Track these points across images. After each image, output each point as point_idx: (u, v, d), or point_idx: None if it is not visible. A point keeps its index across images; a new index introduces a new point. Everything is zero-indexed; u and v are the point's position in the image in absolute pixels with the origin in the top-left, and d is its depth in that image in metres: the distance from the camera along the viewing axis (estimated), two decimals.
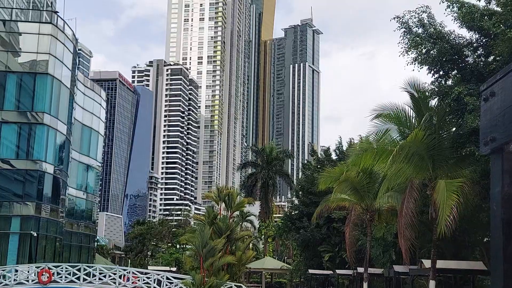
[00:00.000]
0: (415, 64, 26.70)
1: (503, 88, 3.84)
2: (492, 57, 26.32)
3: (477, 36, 26.86)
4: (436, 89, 26.36)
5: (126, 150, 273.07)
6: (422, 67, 26.79)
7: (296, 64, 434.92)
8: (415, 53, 26.40)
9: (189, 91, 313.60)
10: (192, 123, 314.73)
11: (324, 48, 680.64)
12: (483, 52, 27.11)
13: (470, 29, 26.45)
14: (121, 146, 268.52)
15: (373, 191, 32.39)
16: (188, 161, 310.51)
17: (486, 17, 25.35)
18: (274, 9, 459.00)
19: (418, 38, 26.34)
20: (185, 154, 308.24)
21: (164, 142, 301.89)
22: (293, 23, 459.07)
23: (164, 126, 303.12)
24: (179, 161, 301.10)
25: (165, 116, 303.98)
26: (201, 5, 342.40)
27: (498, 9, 25.19)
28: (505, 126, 3.86)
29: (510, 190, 4.05)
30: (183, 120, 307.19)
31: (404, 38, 26.80)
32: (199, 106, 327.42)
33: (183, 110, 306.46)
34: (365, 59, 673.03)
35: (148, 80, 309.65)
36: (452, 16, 26.28)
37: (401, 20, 27.17)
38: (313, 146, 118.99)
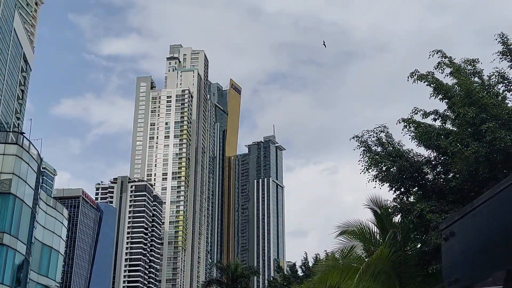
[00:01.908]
0: (376, 181, 27.21)
1: (462, 229, 3.94)
2: (451, 175, 26.97)
3: (435, 154, 27.66)
4: (399, 206, 26.74)
5: (86, 269, 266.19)
6: (383, 184, 27.29)
7: (260, 179, 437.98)
8: (375, 170, 26.96)
9: (153, 207, 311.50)
10: (155, 239, 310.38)
11: (287, 163, 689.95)
12: (442, 170, 27.80)
13: (427, 148, 27.27)
14: (81, 265, 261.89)
15: None
16: (151, 279, 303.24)
17: (442, 136, 26.25)
18: (237, 126, 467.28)
19: (377, 157, 26.98)
20: (147, 272, 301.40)
21: (126, 260, 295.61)
22: (257, 139, 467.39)
23: (127, 243, 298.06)
24: (141, 279, 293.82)
25: (128, 233, 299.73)
26: (166, 123, 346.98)
27: (454, 128, 26.14)
28: (467, 269, 3.95)
29: None
30: (147, 236, 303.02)
31: (364, 156, 27.43)
32: (163, 222, 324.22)
33: (146, 226, 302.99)
34: (327, 174, 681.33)
35: (112, 197, 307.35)
36: (409, 135, 27.19)
37: (360, 139, 27.93)
38: (279, 262, 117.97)
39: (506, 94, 25.93)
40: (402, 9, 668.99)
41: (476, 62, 26.86)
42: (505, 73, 24.94)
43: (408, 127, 26.52)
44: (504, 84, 25.23)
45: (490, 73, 25.78)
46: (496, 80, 25.47)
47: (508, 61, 24.87)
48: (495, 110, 23.38)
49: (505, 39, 24.94)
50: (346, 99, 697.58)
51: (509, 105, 25.10)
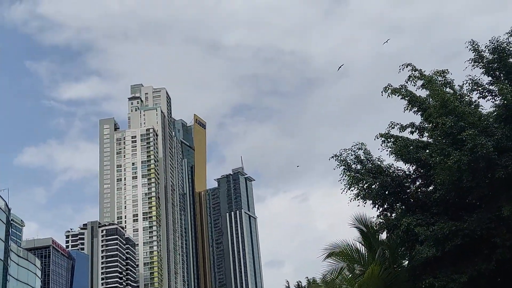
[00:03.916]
0: (358, 199, 26.91)
1: None
2: (432, 187, 26.79)
3: (414, 167, 27.52)
4: (384, 223, 26.46)
5: None
6: (366, 202, 27.01)
7: (232, 212, 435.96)
8: (356, 189, 26.69)
9: (126, 250, 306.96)
10: (131, 283, 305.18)
11: (258, 193, 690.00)
12: (423, 182, 27.67)
13: (406, 162, 27.14)
14: None
15: None
16: None
17: (421, 149, 26.13)
18: (205, 161, 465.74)
19: (358, 175, 26.76)
20: None
21: None
22: (225, 172, 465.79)
23: None
24: None
25: (103, 278, 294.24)
26: (133, 164, 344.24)
27: (431, 140, 26.03)
28: None
29: None
30: (121, 281, 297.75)
31: (344, 175, 27.16)
32: (138, 265, 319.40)
33: (121, 270, 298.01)
34: (298, 202, 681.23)
35: (83, 244, 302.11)
36: (387, 150, 27.03)
37: (339, 158, 27.68)
38: None
39: (478, 102, 26.01)
40: (359, 34, 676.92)
41: (446, 72, 26.97)
42: (479, 79, 24.97)
43: (386, 142, 26.39)
44: (478, 91, 25.25)
45: (463, 82, 25.85)
46: (470, 87, 25.50)
47: (480, 68, 24.92)
48: (471, 118, 23.35)
49: (476, 46, 25.02)
50: (310, 125, 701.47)
51: (483, 112, 25.12)
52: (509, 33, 25.44)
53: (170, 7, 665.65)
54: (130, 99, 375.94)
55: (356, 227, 26.51)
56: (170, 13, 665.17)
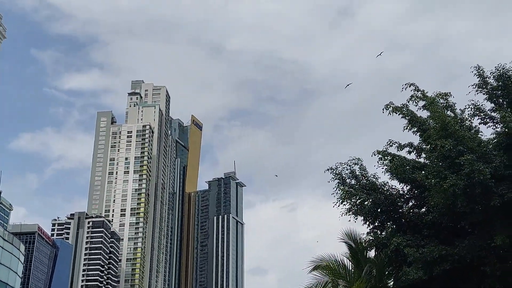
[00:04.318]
0: (349, 214, 26.68)
1: None
2: (425, 209, 26.56)
3: (408, 187, 27.30)
4: (374, 240, 26.18)
5: None
6: (357, 218, 26.76)
7: (220, 216, 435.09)
8: (349, 204, 26.46)
9: (111, 244, 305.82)
10: (111, 277, 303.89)
11: (247, 199, 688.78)
12: (416, 203, 27.42)
13: (401, 181, 26.91)
14: None
15: None
16: None
17: (417, 170, 25.89)
18: (198, 162, 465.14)
19: (352, 189, 26.52)
20: None
21: None
22: (217, 175, 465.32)
23: (82, 281, 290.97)
24: None
25: (84, 270, 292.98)
26: (126, 159, 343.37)
27: (427, 161, 25.81)
28: None
29: None
30: (103, 274, 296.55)
31: (338, 189, 26.93)
32: (120, 260, 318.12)
33: (103, 264, 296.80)
34: (287, 211, 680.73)
35: (68, 233, 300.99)
36: (383, 168, 26.81)
37: (334, 171, 27.46)
38: None
39: (479, 128, 25.83)
40: (361, 48, 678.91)
41: (448, 95, 26.82)
42: (481, 105, 24.78)
43: (383, 159, 26.17)
44: (480, 117, 25.05)
45: (464, 106, 25.65)
46: (472, 112, 25.31)
47: (483, 94, 24.73)
48: (471, 143, 23.13)
49: (481, 71, 24.85)
50: (306, 136, 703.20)
51: (482, 138, 24.93)
52: None
53: (177, 7, 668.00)
54: (129, 94, 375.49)
55: (345, 242, 26.25)
56: (176, 13, 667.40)
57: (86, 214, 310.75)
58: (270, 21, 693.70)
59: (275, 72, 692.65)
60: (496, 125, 24.65)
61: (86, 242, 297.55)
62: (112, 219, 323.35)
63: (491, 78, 24.84)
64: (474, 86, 25.04)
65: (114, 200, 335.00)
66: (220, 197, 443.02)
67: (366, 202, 26.02)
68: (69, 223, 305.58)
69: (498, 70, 24.63)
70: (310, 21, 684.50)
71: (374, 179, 27.01)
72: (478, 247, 22.39)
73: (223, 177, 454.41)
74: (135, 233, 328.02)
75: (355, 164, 27.62)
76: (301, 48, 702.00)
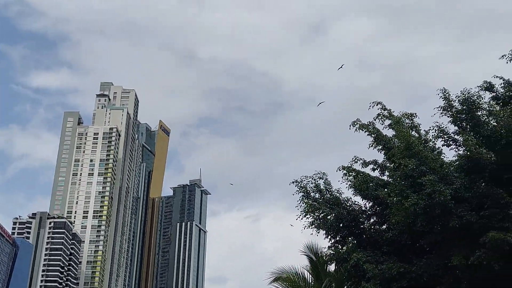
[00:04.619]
0: (312, 228, 26.95)
1: None
2: (386, 226, 26.97)
3: (371, 204, 27.70)
4: (334, 254, 26.49)
5: None
6: (319, 231, 27.05)
7: (183, 223, 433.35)
8: (312, 217, 26.73)
9: (71, 246, 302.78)
10: (71, 279, 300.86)
11: (212, 208, 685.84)
12: (377, 220, 27.82)
13: (364, 197, 27.30)
14: None
15: None
16: None
17: (380, 187, 26.32)
18: (164, 168, 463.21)
19: (315, 203, 26.80)
20: None
21: None
22: (183, 182, 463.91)
23: (41, 281, 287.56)
24: None
25: (44, 270, 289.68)
26: (91, 160, 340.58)
27: (390, 180, 26.26)
28: None
29: None
30: (62, 275, 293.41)
31: (302, 202, 27.20)
32: (80, 262, 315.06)
33: (63, 265, 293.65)
34: (250, 222, 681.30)
35: (29, 233, 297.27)
36: (347, 183, 27.19)
37: (299, 184, 27.73)
38: None
39: (442, 149, 26.34)
40: (331, 65, 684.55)
41: (414, 116, 27.32)
42: (445, 128, 25.29)
43: (347, 175, 26.54)
44: (443, 139, 25.56)
45: (430, 127, 26.13)
46: (436, 134, 25.80)
47: (448, 116, 25.25)
48: (433, 164, 23.60)
49: (447, 94, 25.39)
50: (273, 148, 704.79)
51: (445, 160, 25.44)
52: (480, 86, 25.91)
53: (151, 11, 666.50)
54: (98, 96, 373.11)
55: (306, 255, 26.52)
56: (150, 17, 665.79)
57: (48, 214, 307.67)
58: (244, 32, 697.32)
59: (246, 82, 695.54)
60: (459, 148, 25.14)
61: (47, 243, 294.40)
62: (74, 221, 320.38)
63: (456, 101, 25.36)
64: (439, 109, 25.54)
65: (77, 201, 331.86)
66: (184, 204, 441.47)
67: (329, 217, 26.29)
68: (31, 223, 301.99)
69: (463, 94, 25.17)
70: (283, 35, 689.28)
71: (338, 194, 27.35)
72: (435, 266, 22.80)
73: (188, 184, 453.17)
74: (97, 236, 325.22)
75: (320, 178, 27.91)
76: (272, 61, 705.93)
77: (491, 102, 25.86)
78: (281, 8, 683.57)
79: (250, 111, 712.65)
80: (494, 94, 26.43)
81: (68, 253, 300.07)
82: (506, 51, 26.63)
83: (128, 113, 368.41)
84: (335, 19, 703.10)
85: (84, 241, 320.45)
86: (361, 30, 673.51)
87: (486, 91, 26.16)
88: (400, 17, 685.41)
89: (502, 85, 26.43)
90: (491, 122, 24.50)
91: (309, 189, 27.34)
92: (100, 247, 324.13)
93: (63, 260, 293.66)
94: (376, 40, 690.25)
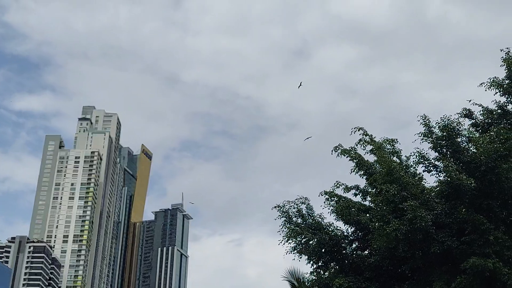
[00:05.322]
0: (294, 253, 26.98)
1: None
2: (367, 251, 27.07)
3: (353, 229, 27.80)
4: (316, 280, 26.49)
5: None
6: (301, 257, 27.07)
7: (165, 248, 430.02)
8: (294, 242, 26.76)
9: (51, 270, 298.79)
10: None
11: (193, 232, 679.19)
12: (359, 246, 27.91)
13: (346, 223, 27.41)
14: None
15: None
16: None
17: (362, 212, 26.47)
18: (146, 192, 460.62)
19: (298, 228, 26.85)
20: None
21: None
22: (164, 206, 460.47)
23: None
24: None
25: None
26: (72, 184, 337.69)
27: (372, 205, 26.41)
28: None
29: None
30: None
31: (284, 227, 27.24)
32: (60, 287, 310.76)
33: None
34: (232, 246, 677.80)
35: (8, 257, 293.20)
36: (329, 209, 27.30)
37: (281, 209, 27.79)
38: None
39: (423, 175, 26.59)
40: (314, 90, 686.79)
41: (395, 142, 27.58)
42: (426, 153, 25.57)
43: (330, 200, 26.67)
44: (424, 165, 25.83)
45: (410, 153, 26.40)
46: (416, 160, 26.07)
47: (428, 142, 25.55)
48: (414, 190, 23.81)
49: (427, 121, 25.71)
50: (255, 172, 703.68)
51: (426, 185, 25.67)
52: (460, 113, 26.30)
53: (134, 35, 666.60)
54: (80, 119, 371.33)
55: (288, 281, 26.47)
56: (133, 41, 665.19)
57: (28, 238, 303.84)
58: (227, 56, 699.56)
59: (229, 106, 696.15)
60: (439, 174, 25.43)
61: (26, 267, 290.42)
62: (54, 245, 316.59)
63: (436, 128, 25.72)
64: (420, 135, 25.88)
65: (57, 225, 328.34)
66: (165, 228, 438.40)
67: (311, 242, 26.36)
68: (10, 247, 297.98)
69: (443, 121, 25.53)
70: (265, 60, 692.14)
71: (320, 219, 27.46)
72: None
73: (170, 208, 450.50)
74: (77, 261, 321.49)
75: (302, 203, 28.04)
76: (255, 85, 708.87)
77: (470, 129, 26.27)
78: (264, 33, 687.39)
79: (233, 135, 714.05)
80: (473, 121, 26.86)
81: (48, 277, 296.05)
82: (484, 79, 27.13)
83: (110, 137, 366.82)
84: (317, 45, 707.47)
85: (64, 266, 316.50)
86: (343, 56, 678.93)
87: (466, 118, 26.58)
88: (381, 45, 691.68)
89: (481, 112, 26.84)
90: (471, 148, 24.83)
91: (291, 214, 27.44)
92: (80, 272, 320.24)
93: (42, 285, 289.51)
94: (358, 66, 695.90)
